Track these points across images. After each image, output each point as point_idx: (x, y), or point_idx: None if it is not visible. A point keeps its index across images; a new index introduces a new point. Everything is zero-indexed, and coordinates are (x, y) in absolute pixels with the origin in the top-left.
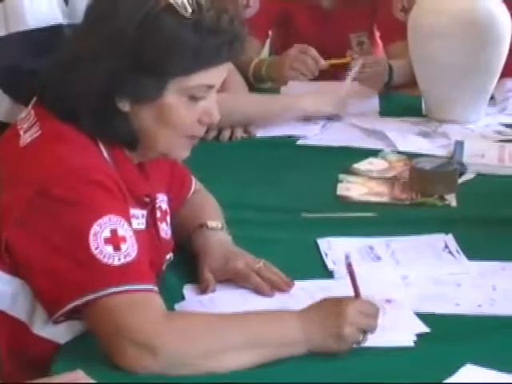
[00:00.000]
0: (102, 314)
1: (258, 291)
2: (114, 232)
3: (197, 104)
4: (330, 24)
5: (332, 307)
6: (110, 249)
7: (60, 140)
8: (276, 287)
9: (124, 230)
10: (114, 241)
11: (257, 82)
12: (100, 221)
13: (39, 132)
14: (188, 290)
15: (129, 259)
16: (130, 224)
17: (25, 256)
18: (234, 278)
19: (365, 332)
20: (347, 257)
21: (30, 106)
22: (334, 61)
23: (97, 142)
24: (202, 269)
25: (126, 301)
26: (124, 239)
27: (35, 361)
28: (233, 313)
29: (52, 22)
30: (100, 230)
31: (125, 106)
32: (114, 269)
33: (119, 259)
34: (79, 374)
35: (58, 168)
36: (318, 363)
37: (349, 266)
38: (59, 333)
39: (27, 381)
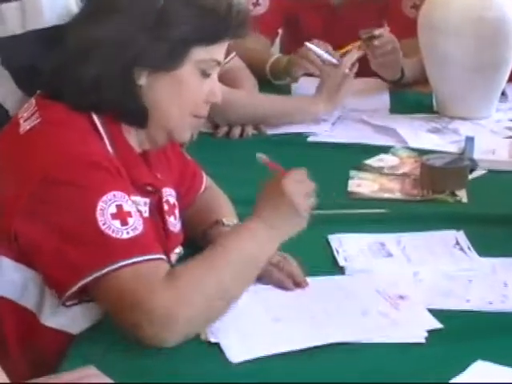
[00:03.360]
0: (115, 288)
1: (280, 286)
2: (119, 207)
3: (205, 82)
4: (338, 21)
5: (274, 192)
6: (117, 223)
7: (59, 126)
8: (295, 281)
9: (129, 206)
10: (121, 215)
11: (274, 79)
12: (105, 197)
13: (39, 119)
14: None
15: (137, 232)
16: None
17: (33, 243)
18: None
19: (309, 196)
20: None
21: (33, 98)
22: (344, 49)
23: (99, 130)
24: None
25: (138, 271)
26: (130, 214)
27: (46, 354)
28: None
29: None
30: (106, 207)
31: (141, 78)
32: (124, 242)
33: (127, 233)
34: (91, 371)
35: (59, 153)
36: (328, 356)
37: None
38: (69, 322)
39: (35, 378)
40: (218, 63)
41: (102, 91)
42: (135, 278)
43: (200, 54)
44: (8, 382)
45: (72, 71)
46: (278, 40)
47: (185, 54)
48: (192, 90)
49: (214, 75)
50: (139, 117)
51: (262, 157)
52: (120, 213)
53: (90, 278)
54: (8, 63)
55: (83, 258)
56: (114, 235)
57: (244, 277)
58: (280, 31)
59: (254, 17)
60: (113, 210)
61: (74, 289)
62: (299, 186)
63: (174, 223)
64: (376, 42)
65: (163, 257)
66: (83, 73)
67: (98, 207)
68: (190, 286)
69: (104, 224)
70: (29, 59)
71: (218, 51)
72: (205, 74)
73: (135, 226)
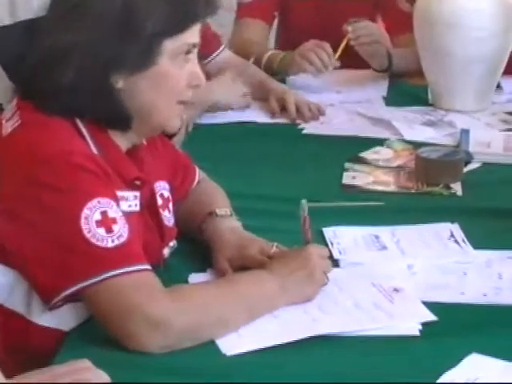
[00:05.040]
0: (105, 298)
1: None
2: (104, 214)
3: (184, 67)
4: (331, 14)
5: (298, 257)
6: (102, 231)
7: (40, 127)
8: None
9: (114, 212)
10: (106, 223)
11: (269, 75)
12: (89, 204)
13: (19, 121)
14: (193, 280)
15: (122, 240)
16: (118, 205)
17: (17, 247)
18: (249, 265)
19: (325, 273)
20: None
21: (15, 98)
22: (338, 52)
23: (81, 130)
24: (217, 258)
25: (127, 282)
26: (115, 220)
27: (38, 354)
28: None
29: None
30: (90, 214)
31: (118, 82)
32: (109, 251)
33: (112, 241)
34: (84, 364)
35: (41, 154)
36: (321, 349)
37: (303, 213)
38: (60, 319)
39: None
40: (194, 45)
41: (79, 97)
42: (128, 288)
43: (173, 43)
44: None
45: (47, 75)
46: (275, 23)
47: (158, 50)
48: (172, 79)
49: (194, 59)
50: (121, 121)
51: (304, 207)
52: (105, 220)
53: (75, 288)
54: None
55: (69, 266)
56: (98, 244)
57: (244, 314)
58: (276, 14)
59: (250, 3)
60: (97, 217)
61: (60, 297)
62: (322, 261)
63: (169, 217)
64: (351, 35)
65: (149, 267)
66: (59, 78)
67: (83, 215)
68: (193, 302)
69: (89, 232)
70: (18, 50)
71: (190, 35)
72: (183, 60)
73: (120, 234)
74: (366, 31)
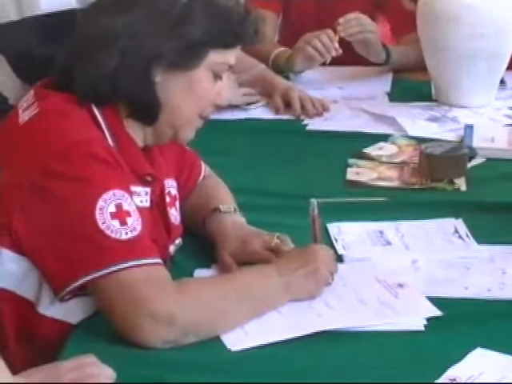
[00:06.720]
0: (115, 290)
1: None
2: (119, 206)
3: (216, 85)
4: (331, 12)
5: (304, 255)
6: (116, 223)
7: (58, 116)
8: None
9: (128, 204)
10: (120, 215)
11: (276, 72)
12: (105, 195)
13: (37, 110)
14: (198, 275)
15: (135, 233)
16: (132, 199)
17: (30, 236)
18: (253, 260)
19: (331, 274)
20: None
21: (32, 88)
22: (337, 37)
23: (99, 121)
24: (221, 253)
25: (138, 275)
26: (129, 213)
27: (46, 345)
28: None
29: (64, 7)
30: (105, 205)
31: (157, 75)
32: (123, 243)
33: (126, 233)
34: (89, 359)
35: (58, 143)
36: (326, 344)
37: (312, 212)
38: (68, 312)
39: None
40: (230, 67)
41: (118, 83)
42: (138, 281)
43: (216, 57)
44: (9, 374)
45: (90, 60)
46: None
47: (203, 56)
48: (204, 91)
49: (225, 78)
50: (150, 112)
51: (314, 206)
52: (119, 212)
53: (89, 278)
54: (5, 50)
55: (82, 257)
56: (112, 235)
57: (247, 310)
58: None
59: None
60: (112, 209)
61: (71, 287)
62: (331, 263)
63: (175, 215)
64: (339, 27)
65: (160, 261)
66: (102, 63)
67: (98, 206)
68: (198, 297)
69: (103, 223)
70: (26, 46)
71: (232, 56)
72: (217, 77)
73: (134, 227)
74: (356, 22)
